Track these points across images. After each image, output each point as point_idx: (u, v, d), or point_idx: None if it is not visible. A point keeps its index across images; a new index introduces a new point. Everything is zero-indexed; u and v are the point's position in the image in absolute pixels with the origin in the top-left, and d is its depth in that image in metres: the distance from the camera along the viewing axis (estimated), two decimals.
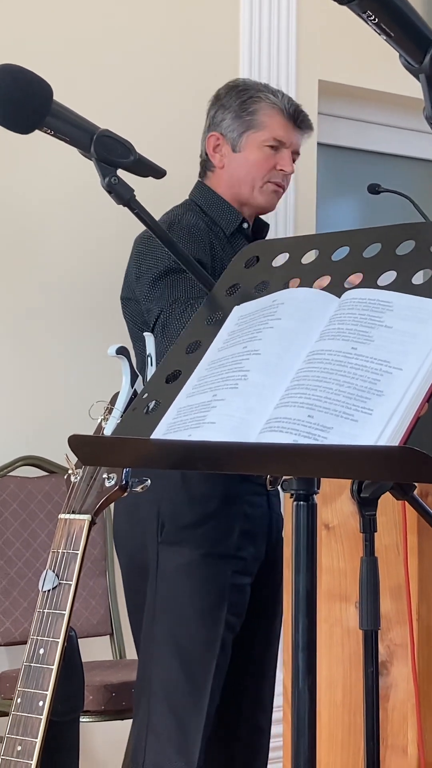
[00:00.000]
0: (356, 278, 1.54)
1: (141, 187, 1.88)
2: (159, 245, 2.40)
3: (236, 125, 2.82)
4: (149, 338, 2.08)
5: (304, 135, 2.88)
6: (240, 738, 2.80)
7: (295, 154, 2.86)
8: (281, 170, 2.81)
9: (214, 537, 2.63)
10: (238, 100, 2.83)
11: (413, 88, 1.42)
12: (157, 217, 2.15)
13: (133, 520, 2.72)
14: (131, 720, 2.85)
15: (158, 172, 1.89)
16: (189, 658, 2.60)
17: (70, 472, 2.01)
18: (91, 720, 3.06)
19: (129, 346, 2.03)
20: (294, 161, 2.87)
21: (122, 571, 2.82)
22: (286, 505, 2.37)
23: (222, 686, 2.65)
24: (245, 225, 2.83)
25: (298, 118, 2.83)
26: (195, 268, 1.89)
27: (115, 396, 2.03)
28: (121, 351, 1.99)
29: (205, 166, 2.89)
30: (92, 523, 1.97)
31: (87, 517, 1.96)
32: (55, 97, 1.80)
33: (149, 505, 2.64)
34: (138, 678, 2.68)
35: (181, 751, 2.57)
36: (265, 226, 2.94)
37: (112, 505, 2.06)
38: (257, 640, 2.77)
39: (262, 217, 2.92)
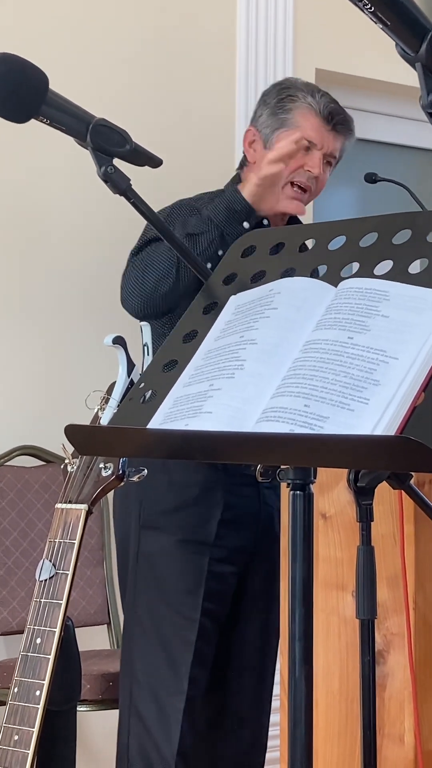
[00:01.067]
0: None
1: (138, 176, 1.88)
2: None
3: (270, 122, 2.78)
4: (146, 328, 2.08)
5: (342, 139, 2.81)
6: (236, 731, 2.80)
7: (331, 157, 2.80)
8: (308, 170, 2.73)
9: (191, 523, 2.65)
10: (277, 98, 2.79)
11: (410, 76, 1.42)
12: (155, 206, 2.14)
13: (122, 504, 2.76)
14: None
15: (154, 161, 1.89)
16: (168, 643, 2.62)
17: (66, 461, 2.01)
18: (88, 709, 3.06)
19: (126, 335, 2.02)
20: (332, 165, 2.82)
21: (116, 555, 2.84)
22: (283, 494, 2.37)
23: (213, 676, 2.66)
24: (265, 222, 2.73)
25: (332, 120, 2.77)
26: (192, 258, 1.89)
27: (112, 385, 2.03)
28: (118, 340, 1.99)
29: (243, 158, 2.87)
30: (89, 512, 1.97)
31: (84, 507, 1.96)
32: (50, 87, 1.80)
33: (134, 489, 2.67)
34: (122, 661, 2.71)
35: (162, 734, 2.59)
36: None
37: (108, 495, 2.06)
38: (254, 632, 2.77)
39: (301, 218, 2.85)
